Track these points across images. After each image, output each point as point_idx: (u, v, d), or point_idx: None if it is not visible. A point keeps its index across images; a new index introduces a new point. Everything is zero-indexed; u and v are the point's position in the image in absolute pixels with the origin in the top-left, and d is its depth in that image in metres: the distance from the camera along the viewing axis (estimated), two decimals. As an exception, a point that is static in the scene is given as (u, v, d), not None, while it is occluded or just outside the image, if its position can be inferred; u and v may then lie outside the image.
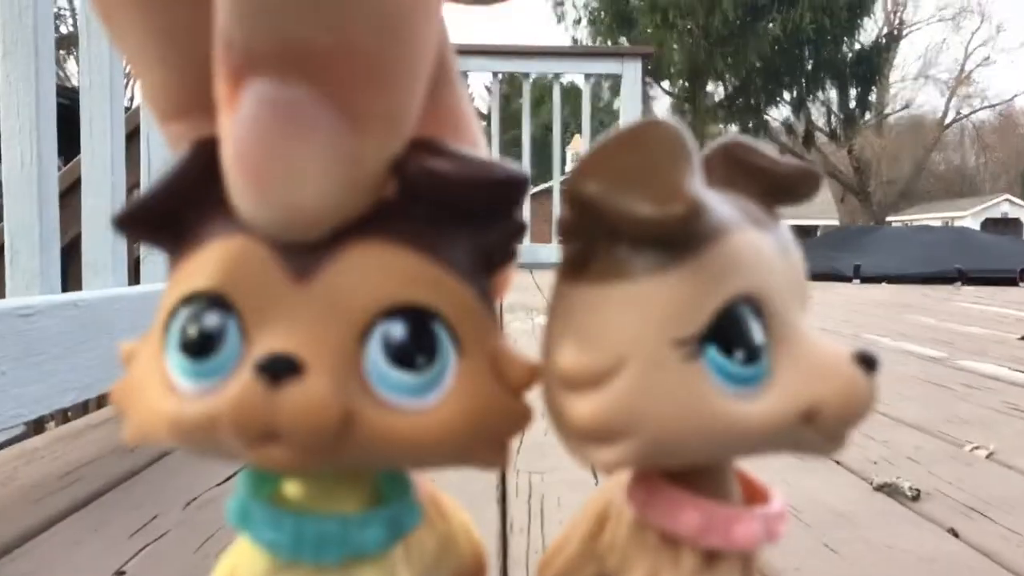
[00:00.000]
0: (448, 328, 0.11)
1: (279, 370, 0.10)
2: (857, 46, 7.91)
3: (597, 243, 0.12)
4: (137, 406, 0.11)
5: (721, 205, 0.12)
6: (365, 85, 0.09)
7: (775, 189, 0.13)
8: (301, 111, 0.09)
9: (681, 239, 0.11)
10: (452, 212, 0.11)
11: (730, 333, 0.11)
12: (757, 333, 0.12)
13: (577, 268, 0.12)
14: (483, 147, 0.14)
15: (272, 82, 0.09)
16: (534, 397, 0.12)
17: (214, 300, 0.11)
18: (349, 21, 0.09)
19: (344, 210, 0.10)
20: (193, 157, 0.11)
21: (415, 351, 0.10)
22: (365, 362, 0.10)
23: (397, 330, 0.10)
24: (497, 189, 0.11)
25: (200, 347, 0.10)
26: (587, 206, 0.11)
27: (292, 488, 0.12)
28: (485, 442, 0.11)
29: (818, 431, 0.12)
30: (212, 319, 0.10)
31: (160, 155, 0.74)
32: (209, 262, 0.11)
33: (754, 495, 0.14)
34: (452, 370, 0.11)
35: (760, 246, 0.12)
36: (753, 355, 0.12)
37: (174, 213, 0.11)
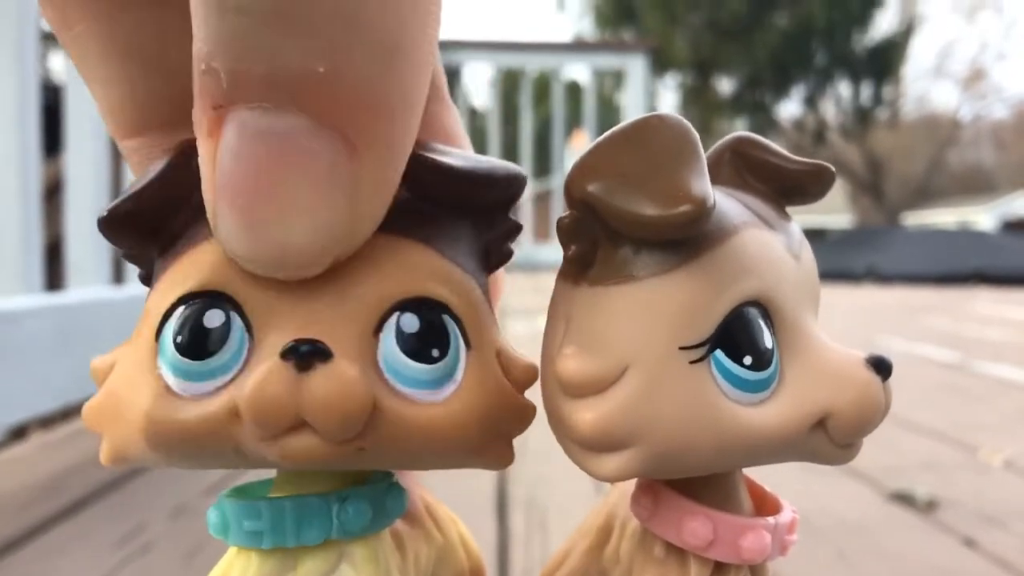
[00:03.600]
0: (458, 322, 0.11)
1: (307, 354, 0.09)
2: (870, 40, 7.87)
3: (599, 244, 0.11)
4: (118, 421, 0.11)
5: (729, 204, 0.12)
6: (362, 111, 0.09)
7: (786, 187, 0.13)
8: (294, 140, 0.09)
9: (688, 240, 0.11)
10: (454, 209, 0.11)
11: (739, 337, 0.11)
12: (766, 337, 0.11)
13: (578, 269, 0.12)
14: None
15: (260, 111, 0.09)
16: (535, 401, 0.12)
17: (215, 298, 0.10)
18: (345, 49, 0.08)
19: (341, 245, 0.10)
20: (179, 159, 0.11)
21: (429, 343, 0.10)
22: (380, 355, 0.10)
23: (411, 322, 0.10)
24: (499, 185, 0.11)
25: (202, 346, 0.10)
26: (587, 206, 0.11)
27: (274, 488, 0.12)
28: (494, 438, 0.11)
29: (830, 438, 0.12)
30: (215, 317, 0.10)
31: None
32: (206, 261, 0.10)
33: (764, 505, 0.14)
34: (463, 364, 0.11)
35: (770, 246, 0.12)
36: (763, 360, 0.11)
37: (160, 215, 0.11)
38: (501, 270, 0.14)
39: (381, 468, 0.12)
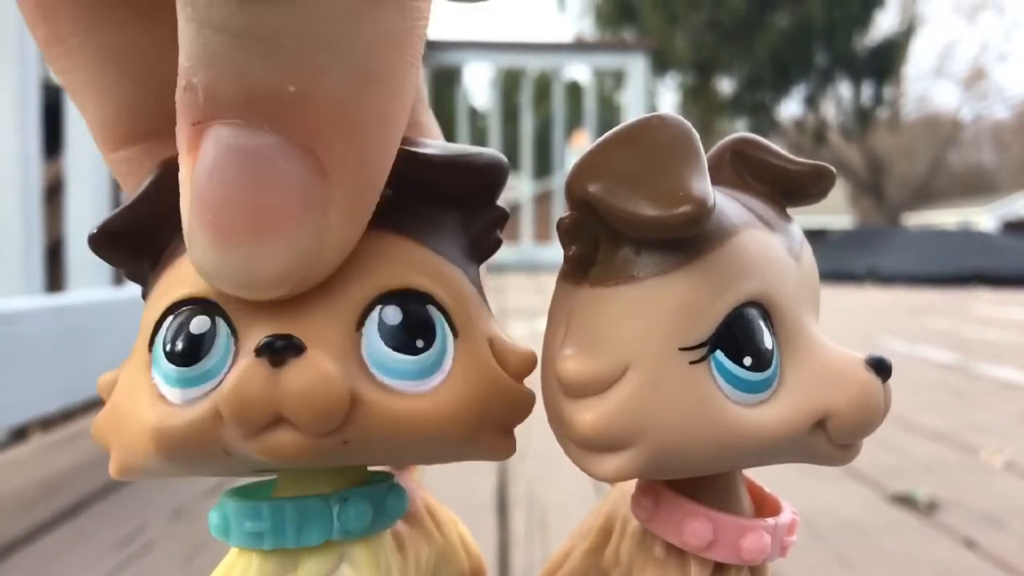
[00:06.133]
0: (444, 311, 0.11)
1: (280, 349, 0.09)
2: (870, 41, 7.87)
3: (599, 244, 0.11)
4: (122, 433, 0.11)
5: (729, 204, 0.12)
6: (333, 135, 0.09)
7: (787, 188, 0.13)
8: (267, 158, 0.09)
9: (688, 240, 0.11)
10: (437, 199, 0.11)
11: (739, 338, 0.11)
12: (766, 338, 0.11)
13: (579, 270, 0.12)
14: None
15: (236, 128, 0.09)
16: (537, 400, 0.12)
17: (200, 305, 0.10)
18: (320, 71, 0.08)
19: (305, 268, 0.09)
20: (162, 175, 0.11)
21: (413, 334, 0.10)
22: (364, 349, 0.10)
23: (394, 314, 0.10)
24: (479, 173, 0.11)
25: (189, 353, 0.10)
26: (588, 207, 0.11)
27: (275, 489, 0.12)
28: (490, 427, 0.11)
29: (830, 439, 0.12)
30: (200, 323, 0.10)
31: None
32: (190, 270, 0.10)
33: (764, 506, 0.14)
34: (451, 353, 0.11)
35: (770, 247, 0.12)
36: (762, 361, 0.11)
37: (149, 231, 0.11)
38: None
39: (372, 463, 0.11)
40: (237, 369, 0.09)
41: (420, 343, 0.10)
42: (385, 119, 0.09)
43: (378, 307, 0.10)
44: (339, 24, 0.08)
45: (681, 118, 0.11)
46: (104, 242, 0.11)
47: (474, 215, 0.12)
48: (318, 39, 0.08)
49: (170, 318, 0.11)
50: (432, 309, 0.11)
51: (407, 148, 0.11)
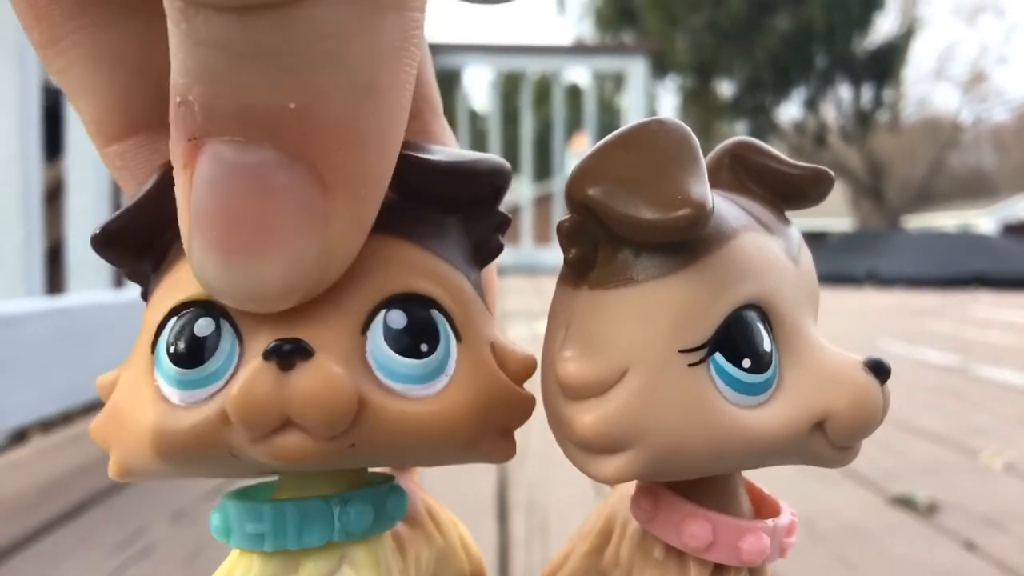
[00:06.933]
0: (447, 316, 0.11)
1: (289, 353, 0.09)
2: (870, 43, 7.88)
3: (599, 247, 0.11)
4: (121, 435, 0.11)
5: (728, 208, 0.12)
6: (334, 148, 0.09)
7: (785, 191, 0.13)
8: (267, 174, 0.09)
9: (687, 243, 0.11)
10: (441, 204, 0.11)
11: (738, 340, 0.11)
12: (765, 340, 0.11)
13: (578, 273, 0.12)
14: None
15: (234, 144, 0.09)
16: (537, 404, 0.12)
17: (205, 307, 0.10)
18: (320, 86, 0.09)
19: (311, 281, 0.10)
20: (166, 178, 0.11)
21: (417, 338, 0.10)
22: (368, 353, 0.10)
23: (398, 318, 0.10)
24: (482, 179, 0.11)
25: (193, 355, 0.10)
26: (588, 210, 0.11)
27: (276, 491, 0.12)
28: (492, 430, 0.11)
29: (829, 441, 0.12)
30: (204, 325, 0.10)
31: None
32: None
33: (763, 507, 0.14)
34: (454, 357, 0.11)
35: (769, 250, 0.12)
36: (761, 363, 0.11)
37: (151, 232, 0.11)
38: (493, 267, 0.14)
39: (376, 465, 0.12)
40: (245, 372, 0.10)
41: (424, 347, 0.10)
42: (385, 129, 0.09)
43: (382, 311, 0.10)
44: (338, 40, 0.08)
45: (680, 122, 0.11)
46: (106, 242, 0.11)
47: (476, 220, 0.12)
48: (318, 55, 0.08)
49: (174, 319, 0.11)
50: (436, 313, 0.11)
51: (411, 154, 0.11)
